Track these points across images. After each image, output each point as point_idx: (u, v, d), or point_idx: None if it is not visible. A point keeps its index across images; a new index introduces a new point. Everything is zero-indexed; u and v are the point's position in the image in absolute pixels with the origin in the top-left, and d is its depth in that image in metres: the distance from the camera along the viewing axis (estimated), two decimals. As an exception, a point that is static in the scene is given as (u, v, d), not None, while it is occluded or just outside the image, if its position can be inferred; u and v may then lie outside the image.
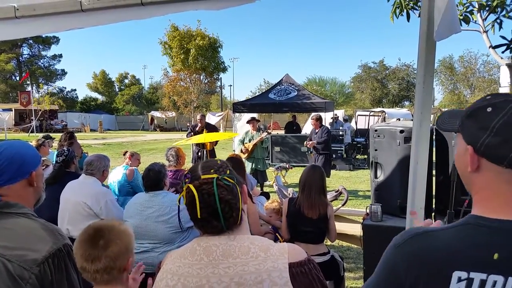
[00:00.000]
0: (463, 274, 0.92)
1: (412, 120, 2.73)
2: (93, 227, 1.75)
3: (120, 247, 1.71)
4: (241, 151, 8.97)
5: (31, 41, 52.89)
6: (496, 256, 0.90)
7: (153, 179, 3.31)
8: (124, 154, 5.56)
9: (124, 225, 1.84)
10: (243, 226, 1.31)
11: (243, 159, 9.14)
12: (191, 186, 1.26)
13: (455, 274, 0.93)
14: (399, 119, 14.62)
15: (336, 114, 17.53)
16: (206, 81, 15.02)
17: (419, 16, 2.44)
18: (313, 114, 9.75)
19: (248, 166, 9.07)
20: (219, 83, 36.43)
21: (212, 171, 1.28)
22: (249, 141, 9.10)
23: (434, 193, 3.74)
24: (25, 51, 55.19)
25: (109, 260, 1.66)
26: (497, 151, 0.93)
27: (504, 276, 0.89)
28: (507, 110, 0.93)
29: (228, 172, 1.31)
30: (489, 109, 0.95)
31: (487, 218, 0.96)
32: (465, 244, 0.95)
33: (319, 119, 9.32)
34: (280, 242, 3.61)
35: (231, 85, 72.23)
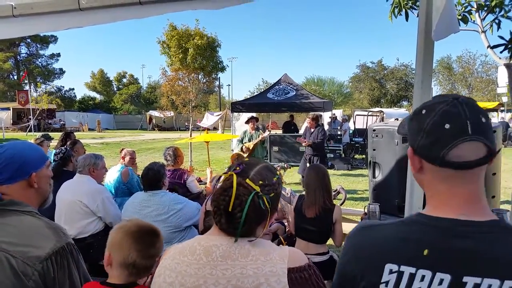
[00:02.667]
0: (394, 267, 0.97)
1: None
2: (146, 226, 1.79)
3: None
4: (242, 150, 8.92)
5: (29, 40, 52.76)
6: (426, 252, 0.94)
7: (152, 178, 3.31)
8: (121, 151, 5.53)
9: None
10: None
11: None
12: (235, 177, 1.23)
13: (387, 267, 0.98)
14: (397, 119, 14.63)
15: (334, 114, 17.55)
16: (204, 80, 14.90)
17: (417, 15, 2.44)
18: (310, 113, 9.70)
19: None
20: (217, 83, 36.43)
21: (260, 182, 1.24)
22: (249, 140, 9.07)
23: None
24: (23, 50, 55.11)
25: (156, 260, 1.68)
26: (430, 151, 0.97)
27: (432, 271, 0.93)
28: (436, 111, 0.96)
29: (272, 194, 1.26)
30: (423, 111, 1.00)
31: (424, 215, 1.01)
32: (400, 239, 1.00)
33: (315, 119, 9.22)
34: (282, 243, 3.62)
35: (229, 85, 72.17)
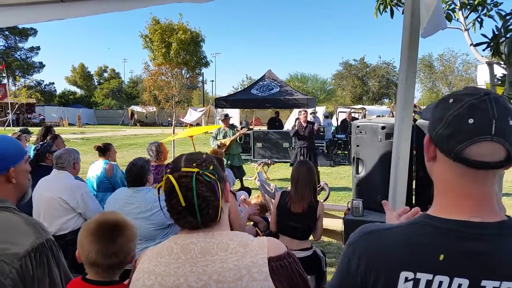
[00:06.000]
0: (410, 275, 0.93)
1: (392, 116, 2.75)
2: (108, 222, 1.70)
3: (134, 243, 1.74)
4: (218, 146, 8.95)
5: (7, 32, 51.39)
6: (441, 257, 0.90)
7: (135, 174, 3.25)
8: (96, 149, 5.00)
9: (129, 220, 1.83)
10: (222, 223, 1.28)
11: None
12: (170, 177, 1.22)
13: (402, 275, 0.93)
14: (379, 116, 14.80)
15: (315, 110, 17.65)
16: (188, 75, 14.83)
17: (402, 12, 2.46)
18: (302, 109, 10.16)
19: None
20: (201, 78, 36.21)
21: (194, 164, 1.25)
22: (223, 137, 9.14)
23: (414, 188, 3.80)
24: (1, 42, 53.62)
25: (123, 256, 1.67)
26: (447, 143, 0.92)
27: (449, 277, 0.89)
28: (463, 103, 0.90)
29: (211, 167, 1.27)
30: (450, 100, 0.94)
31: (435, 218, 0.96)
32: (412, 244, 0.95)
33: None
34: (260, 236, 3.62)
35: (213, 81, 72.05)
